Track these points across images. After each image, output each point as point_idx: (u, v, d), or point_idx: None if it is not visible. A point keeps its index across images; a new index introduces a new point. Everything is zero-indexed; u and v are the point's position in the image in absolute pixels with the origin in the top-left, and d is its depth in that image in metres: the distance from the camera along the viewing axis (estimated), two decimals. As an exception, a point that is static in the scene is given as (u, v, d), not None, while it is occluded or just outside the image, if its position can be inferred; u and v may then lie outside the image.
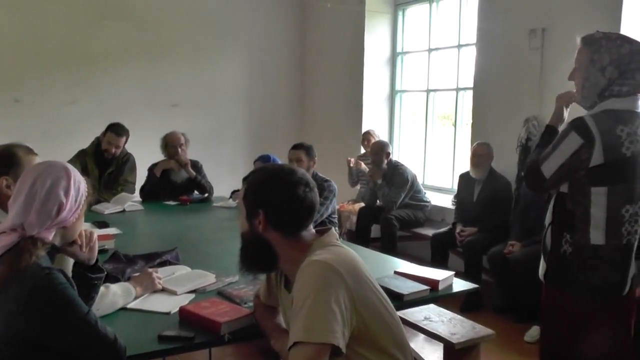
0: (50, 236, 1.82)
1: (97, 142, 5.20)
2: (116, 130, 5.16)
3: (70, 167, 1.90)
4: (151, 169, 5.40)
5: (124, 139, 5.20)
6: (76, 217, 1.88)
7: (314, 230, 1.93)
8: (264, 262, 1.93)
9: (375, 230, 6.20)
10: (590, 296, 2.24)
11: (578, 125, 2.21)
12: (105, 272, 2.12)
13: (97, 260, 2.06)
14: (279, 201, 1.85)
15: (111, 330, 1.79)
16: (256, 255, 1.92)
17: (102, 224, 3.98)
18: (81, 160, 4.97)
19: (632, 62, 2.22)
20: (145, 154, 5.55)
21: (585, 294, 2.25)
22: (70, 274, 1.86)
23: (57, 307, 1.70)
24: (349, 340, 1.69)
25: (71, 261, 2.00)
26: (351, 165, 6.67)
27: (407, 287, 2.58)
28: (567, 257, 2.26)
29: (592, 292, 2.24)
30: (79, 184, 1.88)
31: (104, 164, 5.17)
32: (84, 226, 2.03)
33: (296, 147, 4.58)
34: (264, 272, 2.06)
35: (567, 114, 2.53)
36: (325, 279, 1.69)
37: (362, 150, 6.94)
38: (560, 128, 2.46)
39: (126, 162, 5.28)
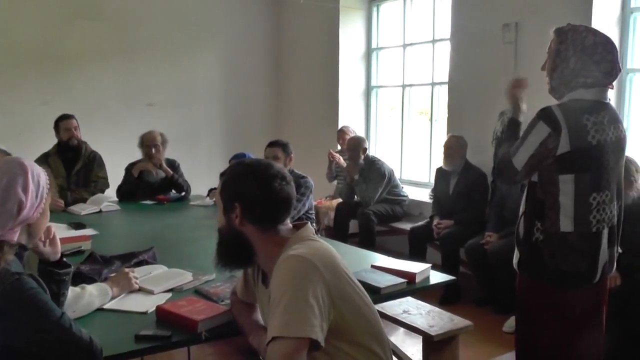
0: (15, 236, 1.78)
1: (57, 144, 5.19)
2: (64, 117, 5.18)
3: (27, 161, 1.85)
4: (128, 169, 5.35)
5: (74, 120, 5.21)
6: (40, 212, 1.84)
7: (291, 225, 1.94)
8: (241, 257, 1.94)
9: (353, 226, 6.21)
10: (562, 284, 2.28)
11: (545, 115, 2.24)
12: (72, 267, 2.09)
13: (62, 255, 2.04)
14: (255, 194, 1.85)
15: (86, 331, 1.77)
16: (233, 250, 1.92)
17: (78, 225, 3.94)
18: (45, 161, 4.93)
19: (595, 53, 2.26)
20: (121, 153, 5.52)
21: (557, 281, 2.28)
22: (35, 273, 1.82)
23: (29, 312, 1.67)
24: (327, 334, 1.69)
25: (35, 260, 1.97)
26: (332, 158, 6.64)
27: (384, 281, 2.59)
28: (538, 244, 2.29)
29: (563, 280, 2.27)
30: (38, 177, 1.83)
31: (70, 162, 5.16)
32: (60, 228, 2.00)
33: (272, 144, 4.57)
34: (241, 267, 2.05)
35: (525, 104, 2.57)
36: (302, 273, 1.69)
37: (338, 147, 6.94)
38: (523, 119, 2.51)
39: (93, 159, 5.28)
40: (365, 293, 1.89)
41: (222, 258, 1.94)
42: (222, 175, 1.96)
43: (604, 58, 2.26)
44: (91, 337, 1.77)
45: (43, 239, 1.95)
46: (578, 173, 2.22)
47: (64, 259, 2.05)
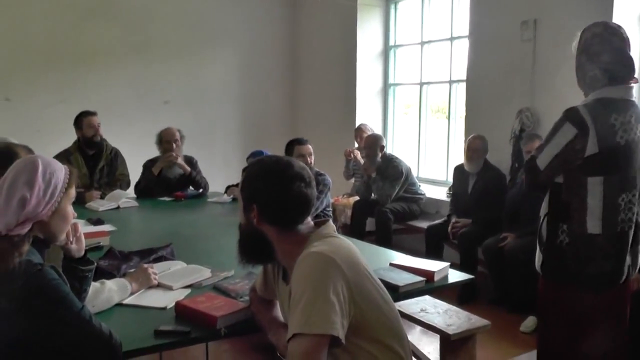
0: (24, 231, 1.76)
1: (79, 142, 5.19)
2: (87, 113, 5.18)
3: (44, 159, 1.84)
4: (147, 166, 5.37)
5: (97, 117, 5.22)
6: (52, 210, 1.81)
7: (312, 223, 1.92)
8: (262, 254, 1.93)
9: (370, 224, 6.20)
10: (587, 286, 2.25)
11: (572, 115, 2.21)
12: (95, 264, 2.10)
13: (85, 252, 2.05)
14: (272, 197, 1.83)
15: (106, 326, 1.78)
16: (253, 248, 1.91)
17: (96, 221, 3.97)
18: (67, 159, 4.93)
19: (593, 45, 2.24)
20: (137, 151, 5.54)
21: (582, 284, 2.25)
22: (60, 269, 1.82)
23: (50, 303, 1.68)
24: (348, 331, 1.68)
25: (60, 256, 1.98)
26: (349, 158, 6.66)
27: (403, 279, 2.58)
28: (563, 247, 2.26)
29: (589, 282, 2.24)
30: (51, 175, 1.81)
31: (92, 159, 5.18)
32: (78, 223, 2.01)
33: (303, 142, 4.59)
34: (261, 263, 2.05)
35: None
36: (323, 270, 1.68)
37: (356, 145, 6.93)
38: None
39: (116, 156, 5.30)
40: (385, 290, 1.88)
41: (244, 254, 1.93)
42: (244, 170, 1.94)
43: (603, 48, 2.24)
44: (111, 331, 1.78)
45: (70, 238, 1.96)
46: (607, 175, 2.19)
47: (87, 256, 2.06)
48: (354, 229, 6.12)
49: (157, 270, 2.63)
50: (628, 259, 2.28)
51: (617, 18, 4.50)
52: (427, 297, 3.56)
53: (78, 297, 1.86)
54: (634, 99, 2.30)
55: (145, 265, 2.60)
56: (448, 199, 5.82)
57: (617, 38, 2.25)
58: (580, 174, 2.21)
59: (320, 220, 1.94)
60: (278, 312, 2.10)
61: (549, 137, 2.27)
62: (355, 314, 1.71)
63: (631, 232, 2.27)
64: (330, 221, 1.95)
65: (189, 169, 5.33)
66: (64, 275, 1.77)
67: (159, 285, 2.52)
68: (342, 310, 1.66)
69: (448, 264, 2.84)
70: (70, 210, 1.90)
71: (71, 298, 1.72)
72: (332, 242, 1.81)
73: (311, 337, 1.61)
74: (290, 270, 1.82)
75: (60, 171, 1.85)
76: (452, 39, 6.52)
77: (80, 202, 4.53)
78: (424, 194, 6.21)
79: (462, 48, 6.23)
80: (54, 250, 1.98)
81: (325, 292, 1.64)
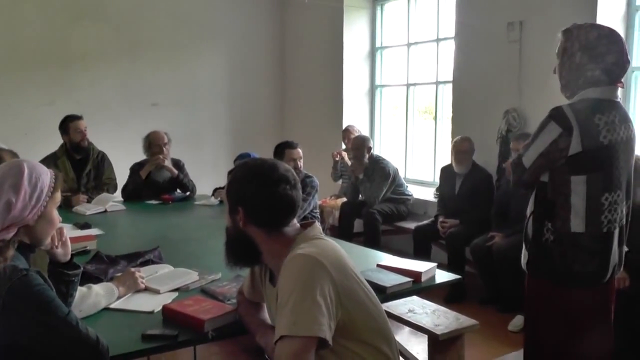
0: (9, 235, 1.75)
1: (65, 146, 5.15)
2: (74, 117, 5.13)
3: (30, 163, 1.83)
4: (135, 169, 5.34)
5: (84, 121, 5.17)
6: (38, 214, 1.80)
7: (298, 225, 1.93)
8: (249, 256, 1.93)
9: (358, 225, 6.20)
10: (573, 284, 2.27)
11: (556, 114, 2.23)
12: (81, 268, 2.09)
13: (72, 256, 2.04)
14: (258, 200, 1.83)
15: (93, 330, 1.77)
16: (240, 250, 1.92)
17: (83, 225, 3.95)
18: (54, 163, 4.90)
19: (600, 45, 2.25)
20: (125, 153, 5.52)
21: (567, 282, 2.27)
22: (45, 274, 1.81)
23: (36, 309, 1.67)
24: (335, 333, 1.69)
25: (46, 260, 1.97)
26: (337, 159, 6.68)
27: (390, 280, 2.59)
28: (548, 245, 2.28)
29: (573, 280, 2.26)
30: (37, 179, 1.80)
31: (79, 164, 5.15)
32: (65, 227, 2.00)
33: (294, 145, 4.58)
34: (248, 265, 2.05)
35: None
36: (310, 272, 1.69)
37: (343, 146, 6.94)
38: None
39: (102, 160, 5.27)
40: (373, 292, 1.89)
41: (231, 257, 1.94)
42: (230, 173, 1.95)
43: (610, 49, 2.25)
44: (98, 336, 1.77)
45: (56, 242, 1.95)
46: (590, 173, 2.21)
47: (74, 260, 2.05)
48: (341, 231, 6.13)
49: (144, 274, 2.62)
50: (614, 258, 2.30)
51: (601, 19, 4.54)
52: (415, 297, 3.57)
53: (64, 302, 1.85)
54: (618, 99, 2.32)
55: (133, 269, 2.60)
56: (435, 200, 5.84)
57: (621, 41, 2.29)
58: (564, 173, 2.23)
59: (306, 222, 1.95)
60: (265, 315, 2.11)
61: (534, 136, 2.30)
62: (343, 316, 1.72)
63: (616, 232, 2.29)
64: (317, 223, 1.96)
65: (176, 172, 5.32)
66: (49, 280, 1.76)
67: (146, 289, 2.52)
68: (329, 312, 1.66)
69: (435, 264, 2.86)
70: (55, 214, 1.89)
71: (57, 303, 1.71)
72: (318, 244, 1.82)
73: (299, 339, 1.61)
74: (277, 272, 1.82)
75: (46, 175, 1.84)
76: (438, 40, 6.54)
77: (66, 207, 4.52)
78: (411, 195, 6.23)
79: (449, 49, 6.26)
80: (40, 255, 1.96)
81: (313, 294, 1.64)
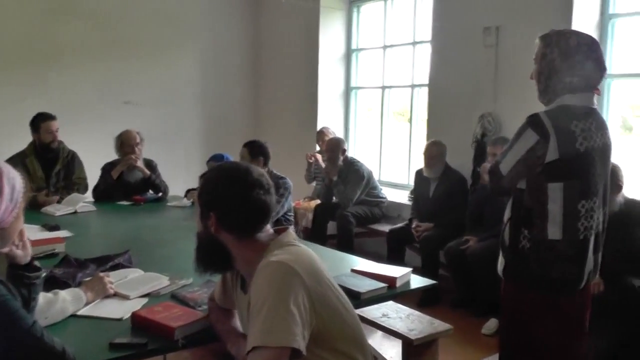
0: None
1: (34, 144, 5.04)
2: (46, 117, 5.02)
3: (2, 164, 1.78)
4: (106, 169, 5.24)
5: (57, 121, 5.07)
6: (14, 216, 1.76)
7: (271, 230, 1.89)
8: (220, 262, 1.89)
9: (331, 227, 6.18)
10: (548, 291, 2.27)
11: (533, 121, 2.23)
12: (42, 270, 2.00)
13: (32, 258, 1.96)
14: (230, 205, 1.79)
15: (59, 340, 1.72)
16: (210, 256, 1.87)
17: (52, 227, 3.85)
18: (22, 162, 4.79)
19: (579, 52, 2.26)
20: (97, 152, 5.42)
21: (543, 288, 2.27)
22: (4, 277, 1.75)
23: None
24: (309, 341, 1.65)
25: (4, 263, 1.90)
26: (310, 160, 6.64)
27: (365, 285, 2.56)
28: (525, 252, 2.28)
29: (549, 287, 2.27)
30: (13, 181, 1.76)
31: (48, 163, 5.04)
32: (33, 229, 1.94)
33: (245, 144, 4.57)
34: (219, 272, 2.01)
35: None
36: (283, 280, 1.65)
37: (317, 148, 6.92)
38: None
39: (72, 159, 5.18)
40: (347, 299, 1.86)
41: (201, 262, 1.89)
42: (201, 177, 1.90)
43: (589, 57, 2.26)
44: (64, 347, 1.71)
45: (16, 243, 1.88)
46: (567, 180, 2.21)
47: (35, 262, 1.98)
48: (315, 233, 6.09)
49: (114, 279, 2.56)
50: (589, 265, 2.30)
51: (576, 25, 4.58)
52: (389, 301, 3.55)
53: (27, 306, 1.79)
54: (595, 106, 2.32)
55: (102, 274, 2.53)
56: (410, 203, 5.85)
57: (600, 49, 2.31)
58: (541, 180, 2.23)
59: (280, 228, 1.91)
60: (237, 322, 2.07)
61: (511, 143, 2.30)
62: (317, 324, 1.69)
63: (592, 239, 2.29)
64: (290, 229, 1.93)
65: (148, 172, 5.24)
66: (10, 284, 1.69)
67: (115, 295, 2.45)
68: (302, 320, 1.63)
69: (410, 269, 2.84)
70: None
71: (21, 314, 1.65)
72: (292, 250, 1.78)
73: (272, 350, 1.57)
74: (249, 279, 1.78)
75: (19, 176, 1.80)
76: (414, 43, 6.55)
77: (34, 207, 4.40)
78: (385, 198, 6.22)
79: (425, 53, 6.26)
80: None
81: (286, 303, 1.61)
